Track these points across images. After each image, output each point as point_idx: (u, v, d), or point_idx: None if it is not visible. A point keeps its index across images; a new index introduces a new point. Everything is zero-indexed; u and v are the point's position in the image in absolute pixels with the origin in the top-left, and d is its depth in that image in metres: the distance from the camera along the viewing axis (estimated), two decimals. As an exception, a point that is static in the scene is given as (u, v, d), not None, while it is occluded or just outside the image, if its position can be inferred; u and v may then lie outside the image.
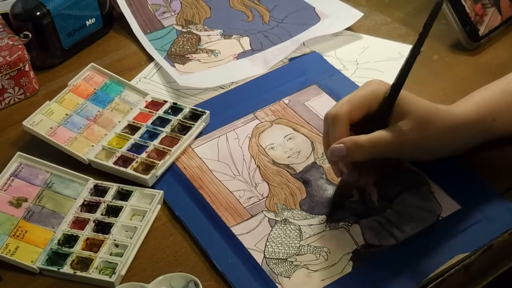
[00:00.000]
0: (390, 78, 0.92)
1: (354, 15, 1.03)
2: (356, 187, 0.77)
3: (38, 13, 0.96)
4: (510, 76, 0.80)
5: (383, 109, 0.73)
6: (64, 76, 0.99)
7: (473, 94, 0.79)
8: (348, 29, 1.02)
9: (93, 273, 0.72)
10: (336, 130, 0.73)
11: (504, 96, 0.77)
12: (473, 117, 0.75)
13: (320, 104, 0.90)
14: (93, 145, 0.85)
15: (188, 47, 1.03)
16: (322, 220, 0.75)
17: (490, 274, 0.75)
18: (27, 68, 0.95)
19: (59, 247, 0.75)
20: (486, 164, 0.79)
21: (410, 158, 0.79)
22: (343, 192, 0.77)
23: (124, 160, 0.83)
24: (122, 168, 0.82)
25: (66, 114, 0.88)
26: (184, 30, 1.06)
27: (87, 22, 1.03)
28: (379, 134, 0.72)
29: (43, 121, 0.87)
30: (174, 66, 0.99)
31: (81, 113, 0.89)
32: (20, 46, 0.95)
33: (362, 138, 0.72)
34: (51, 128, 0.86)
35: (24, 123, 0.85)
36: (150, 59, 1.02)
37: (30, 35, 0.97)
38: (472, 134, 0.76)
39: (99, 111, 0.90)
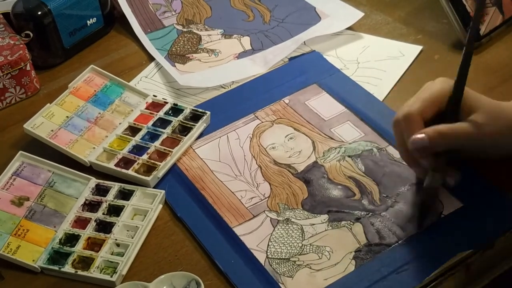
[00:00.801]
0: (390, 77, 0.93)
1: (355, 14, 1.03)
2: (438, 189, 0.76)
3: (39, 13, 0.96)
4: None
5: (452, 105, 0.73)
6: (65, 76, 0.99)
7: None
8: (349, 28, 1.02)
9: (94, 273, 0.72)
10: (412, 129, 0.73)
11: None
12: None
13: (321, 103, 0.90)
14: (94, 147, 0.85)
15: (188, 47, 1.03)
16: (324, 220, 0.76)
17: (492, 273, 0.75)
18: (28, 68, 0.95)
19: (61, 246, 0.75)
20: (488, 162, 0.79)
21: (485, 155, 0.77)
22: (430, 196, 0.76)
23: (126, 162, 0.83)
24: (123, 170, 0.82)
25: (67, 117, 0.88)
26: (184, 29, 1.06)
27: (88, 21, 1.03)
28: (459, 124, 0.73)
29: (44, 123, 0.87)
30: (175, 66, 0.99)
31: (82, 115, 0.89)
32: (21, 45, 0.95)
33: (443, 126, 0.72)
34: (52, 130, 0.86)
35: (25, 126, 0.85)
36: (151, 58, 1.02)
37: (31, 35, 0.97)
38: None
39: (99, 113, 0.90)
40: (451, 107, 0.74)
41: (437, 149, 0.72)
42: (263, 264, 0.72)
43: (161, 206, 0.79)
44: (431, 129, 0.72)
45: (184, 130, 0.87)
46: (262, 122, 0.88)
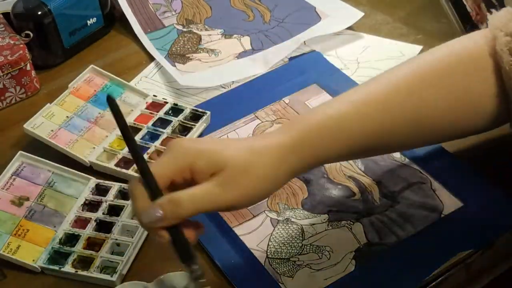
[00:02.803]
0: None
1: (355, 14, 1.03)
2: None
3: (39, 13, 0.96)
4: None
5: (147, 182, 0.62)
6: (65, 76, 0.99)
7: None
8: (349, 28, 1.02)
9: (94, 272, 0.72)
10: (136, 200, 0.62)
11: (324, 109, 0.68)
12: (288, 143, 0.64)
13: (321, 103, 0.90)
14: (94, 147, 0.85)
15: (188, 47, 1.03)
16: (324, 219, 0.76)
17: (492, 273, 0.75)
18: (28, 68, 0.95)
19: (61, 246, 0.75)
20: (488, 161, 0.80)
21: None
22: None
23: (126, 162, 0.83)
24: (123, 170, 0.82)
25: (67, 117, 0.88)
26: (184, 29, 1.06)
27: (88, 21, 1.03)
28: (197, 189, 0.61)
29: (44, 123, 0.86)
30: (175, 66, 0.99)
31: (82, 115, 0.89)
32: (21, 45, 0.95)
33: (180, 194, 0.61)
34: (52, 130, 0.86)
35: (25, 126, 0.85)
36: (151, 58, 1.02)
37: (31, 35, 0.96)
38: (293, 163, 0.65)
39: (99, 113, 0.90)
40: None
41: (177, 219, 0.61)
42: (263, 264, 0.72)
43: (161, 206, 0.79)
44: (164, 198, 0.61)
45: (184, 130, 0.87)
46: (262, 122, 0.88)
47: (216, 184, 0.61)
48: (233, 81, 0.96)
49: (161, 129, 0.87)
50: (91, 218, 0.78)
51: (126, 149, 0.84)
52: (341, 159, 0.74)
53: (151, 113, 0.90)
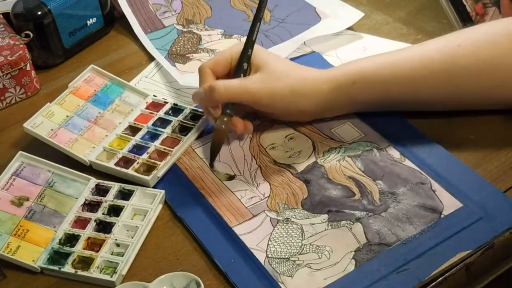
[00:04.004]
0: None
1: (355, 15, 1.03)
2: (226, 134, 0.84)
3: (39, 13, 0.96)
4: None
5: (239, 62, 0.83)
6: (65, 76, 0.99)
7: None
8: (349, 28, 1.02)
9: (94, 273, 0.72)
10: (201, 81, 0.82)
11: (365, 60, 0.83)
12: (330, 76, 0.82)
13: (321, 103, 0.90)
14: (94, 147, 0.85)
15: (188, 47, 1.03)
16: (324, 219, 0.75)
17: (491, 274, 0.75)
18: (28, 68, 0.95)
19: (61, 246, 0.75)
20: (488, 161, 0.79)
21: (272, 112, 0.85)
22: (217, 139, 0.83)
23: (126, 161, 0.83)
24: (123, 169, 0.82)
25: (67, 116, 0.88)
26: (184, 29, 1.06)
27: (88, 21, 1.03)
28: (233, 80, 0.81)
29: (43, 123, 0.86)
30: (175, 66, 0.99)
31: (82, 115, 0.89)
32: (21, 45, 0.95)
33: (218, 82, 0.80)
34: (52, 130, 0.86)
35: (25, 125, 0.85)
36: (151, 58, 1.02)
37: (31, 35, 0.97)
38: (326, 94, 0.81)
39: (99, 113, 0.90)
40: (239, 64, 0.83)
41: (215, 101, 0.80)
42: (263, 264, 0.72)
43: (161, 206, 0.79)
44: (208, 84, 0.80)
45: (184, 129, 0.87)
46: (262, 122, 0.88)
47: (253, 78, 0.81)
48: (233, 81, 0.96)
49: (161, 129, 0.87)
50: (91, 218, 0.78)
51: (126, 148, 0.85)
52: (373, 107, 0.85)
53: (151, 113, 0.90)
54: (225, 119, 0.81)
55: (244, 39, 1.03)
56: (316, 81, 0.81)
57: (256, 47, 0.84)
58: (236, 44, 0.86)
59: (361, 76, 0.81)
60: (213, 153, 0.83)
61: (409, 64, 0.80)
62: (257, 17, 0.84)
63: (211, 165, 0.83)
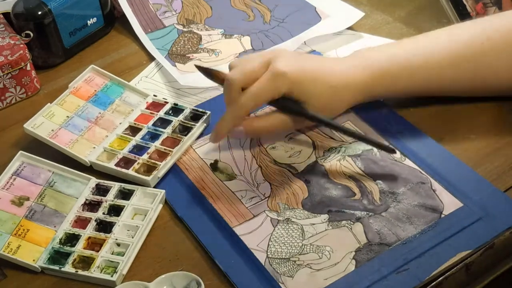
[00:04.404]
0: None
1: (355, 14, 1.03)
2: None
3: (39, 13, 0.96)
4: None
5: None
6: (66, 76, 0.99)
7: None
8: (349, 28, 1.02)
9: (94, 272, 0.72)
10: (228, 94, 0.78)
11: (394, 47, 0.85)
12: (364, 65, 0.82)
13: (322, 103, 0.90)
14: (94, 147, 0.85)
15: (189, 47, 1.03)
16: (324, 219, 0.76)
17: (492, 273, 0.75)
18: (28, 68, 0.95)
19: (61, 246, 0.75)
20: (488, 161, 0.80)
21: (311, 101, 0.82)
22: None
23: (126, 162, 0.83)
24: (123, 170, 0.82)
25: (67, 116, 0.88)
26: (185, 29, 1.06)
27: (88, 21, 1.03)
28: (272, 120, 0.81)
29: (44, 123, 0.86)
30: (175, 66, 0.99)
31: (82, 115, 0.89)
32: (21, 45, 0.95)
33: (259, 123, 0.81)
34: (52, 130, 0.86)
35: (25, 126, 0.85)
36: (151, 58, 1.02)
37: (31, 35, 0.97)
38: (361, 83, 0.82)
39: (100, 113, 0.90)
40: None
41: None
42: (263, 264, 0.72)
43: (161, 206, 0.79)
44: (248, 124, 0.80)
45: (185, 130, 0.87)
46: (263, 122, 0.88)
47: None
48: (233, 81, 0.96)
49: (161, 129, 0.87)
50: (91, 218, 0.78)
51: (126, 149, 0.85)
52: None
53: (151, 113, 0.90)
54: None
55: (244, 39, 1.03)
56: (353, 74, 0.82)
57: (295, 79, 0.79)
58: (265, 53, 0.83)
59: (393, 64, 0.82)
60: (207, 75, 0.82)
61: (437, 56, 0.82)
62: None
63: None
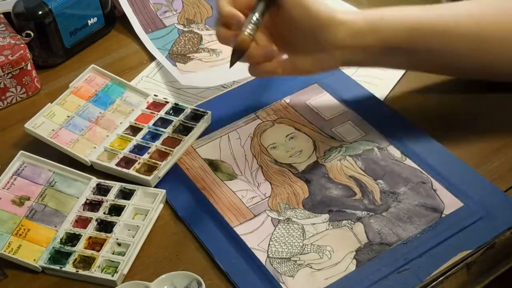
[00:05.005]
0: (391, 77, 0.93)
1: (356, 14, 1.03)
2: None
3: (40, 12, 0.96)
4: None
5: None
6: (66, 75, 0.99)
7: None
8: (350, 28, 1.02)
9: (95, 272, 0.72)
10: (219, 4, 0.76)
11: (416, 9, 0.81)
12: (355, 12, 0.79)
13: (322, 103, 0.90)
14: (95, 147, 0.85)
15: (189, 46, 1.03)
16: (325, 219, 0.76)
17: (492, 273, 0.75)
18: (29, 67, 0.95)
19: (62, 245, 0.75)
20: (489, 162, 0.80)
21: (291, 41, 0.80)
22: (239, 46, 0.76)
23: (127, 162, 0.83)
24: (124, 170, 0.82)
25: (68, 116, 0.88)
26: (185, 29, 1.06)
27: (89, 21, 1.03)
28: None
29: (44, 123, 0.86)
30: (176, 65, 0.99)
31: (83, 115, 0.89)
32: (22, 45, 0.95)
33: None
34: (53, 130, 0.86)
35: (26, 125, 0.85)
36: (152, 58, 1.02)
37: (32, 34, 0.97)
38: (356, 31, 0.77)
39: (100, 113, 0.90)
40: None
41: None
42: (264, 264, 0.72)
43: (162, 205, 0.79)
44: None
45: (185, 129, 0.87)
46: (263, 121, 0.88)
47: None
48: (234, 81, 0.96)
49: (162, 129, 0.87)
50: (92, 218, 0.78)
51: (127, 148, 0.85)
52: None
53: (152, 112, 0.90)
54: (250, 26, 0.75)
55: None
56: (352, 19, 0.78)
57: None
58: None
59: (388, 12, 0.79)
60: (234, 58, 0.76)
61: (464, 22, 0.79)
62: None
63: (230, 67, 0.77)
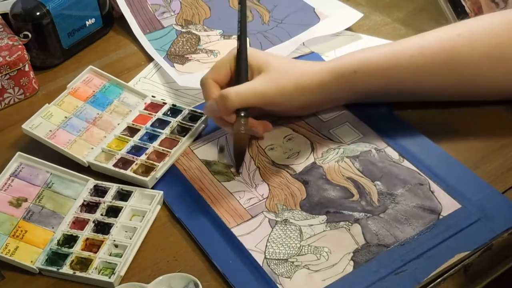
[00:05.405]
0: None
1: (354, 15, 1.03)
2: (248, 139, 0.84)
3: (38, 13, 0.96)
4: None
5: (238, 66, 0.83)
6: (64, 76, 0.99)
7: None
8: (348, 29, 1.02)
9: (92, 274, 0.72)
10: (207, 93, 0.82)
11: (366, 51, 0.84)
12: (331, 66, 0.82)
13: (320, 104, 0.90)
14: (92, 148, 0.85)
15: (187, 47, 1.03)
16: (323, 220, 0.75)
17: (490, 275, 0.75)
18: (27, 68, 0.95)
19: (59, 247, 0.75)
20: (487, 163, 0.79)
21: (282, 110, 0.85)
22: (239, 143, 0.82)
23: (124, 162, 0.83)
24: (122, 170, 0.82)
25: (65, 117, 0.88)
26: (183, 30, 1.06)
27: (87, 22, 1.03)
28: (241, 85, 0.81)
29: (42, 124, 0.86)
30: (174, 66, 0.99)
31: (80, 116, 0.89)
32: (20, 46, 0.95)
33: (228, 90, 0.79)
34: (50, 131, 0.86)
35: (23, 126, 0.85)
36: (150, 59, 1.02)
37: (30, 35, 0.97)
38: (329, 84, 0.81)
39: (98, 114, 0.90)
40: (236, 69, 0.83)
41: (228, 110, 0.79)
42: (261, 265, 0.72)
43: (159, 207, 0.79)
44: (219, 93, 0.80)
45: (183, 130, 0.87)
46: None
47: (259, 80, 0.80)
48: (231, 82, 0.96)
49: (159, 130, 0.87)
50: (89, 219, 0.78)
51: (124, 149, 0.84)
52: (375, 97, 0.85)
53: (149, 113, 0.89)
54: (243, 121, 0.79)
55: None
56: (318, 73, 0.81)
57: (251, 49, 0.84)
58: (231, 50, 0.84)
59: (362, 65, 0.81)
60: (239, 159, 0.82)
61: (409, 52, 0.81)
62: (243, 16, 0.85)
63: (238, 171, 0.82)
